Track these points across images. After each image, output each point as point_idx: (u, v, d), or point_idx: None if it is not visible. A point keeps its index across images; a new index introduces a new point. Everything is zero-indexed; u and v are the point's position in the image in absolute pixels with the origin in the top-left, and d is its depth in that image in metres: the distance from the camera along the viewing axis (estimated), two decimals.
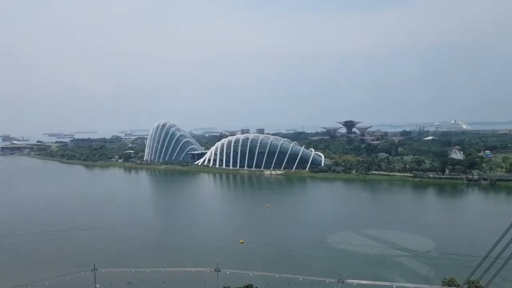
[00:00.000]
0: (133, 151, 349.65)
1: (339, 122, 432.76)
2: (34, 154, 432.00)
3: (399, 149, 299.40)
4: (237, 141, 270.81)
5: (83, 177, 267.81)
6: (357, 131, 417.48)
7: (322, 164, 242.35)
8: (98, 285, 63.94)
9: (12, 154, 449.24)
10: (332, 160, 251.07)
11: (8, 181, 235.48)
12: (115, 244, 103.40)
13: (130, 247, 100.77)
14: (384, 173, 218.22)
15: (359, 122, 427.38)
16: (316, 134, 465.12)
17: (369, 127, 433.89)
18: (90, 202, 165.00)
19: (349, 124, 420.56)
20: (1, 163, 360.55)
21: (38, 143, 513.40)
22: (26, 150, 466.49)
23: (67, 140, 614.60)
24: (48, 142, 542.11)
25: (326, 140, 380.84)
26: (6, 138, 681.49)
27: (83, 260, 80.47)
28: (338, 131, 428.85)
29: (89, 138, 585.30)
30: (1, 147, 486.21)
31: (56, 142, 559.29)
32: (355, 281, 63.44)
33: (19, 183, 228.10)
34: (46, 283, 62.15)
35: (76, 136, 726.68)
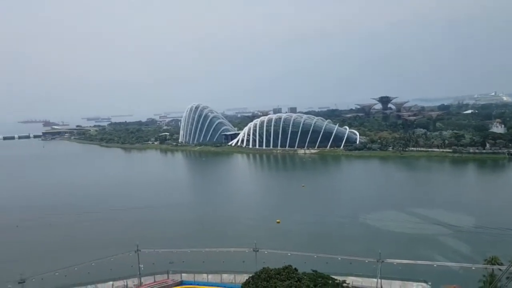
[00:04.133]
0: (168, 134, 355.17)
1: (374, 98, 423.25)
2: (74, 138, 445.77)
3: (437, 124, 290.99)
4: (269, 121, 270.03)
5: (122, 160, 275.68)
6: (393, 107, 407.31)
7: (357, 142, 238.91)
8: (142, 265, 66.04)
9: (53, 139, 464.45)
10: (368, 138, 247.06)
11: (50, 165, 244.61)
12: (155, 224, 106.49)
13: (169, 227, 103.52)
14: (422, 149, 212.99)
15: (394, 98, 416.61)
16: (350, 111, 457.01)
17: (405, 102, 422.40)
18: (130, 184, 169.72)
19: (384, 100, 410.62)
20: (43, 148, 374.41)
21: (78, 128, 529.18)
22: (66, 134, 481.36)
23: (104, 123, 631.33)
24: (87, 126, 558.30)
25: (360, 117, 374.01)
26: (46, 124, 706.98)
27: (125, 240, 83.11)
28: (373, 107, 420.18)
29: (125, 121, 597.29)
30: (43, 133, 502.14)
31: (95, 126, 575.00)
32: (395, 261, 62.51)
33: (62, 166, 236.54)
34: (93, 264, 64.65)
35: (113, 120, 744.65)
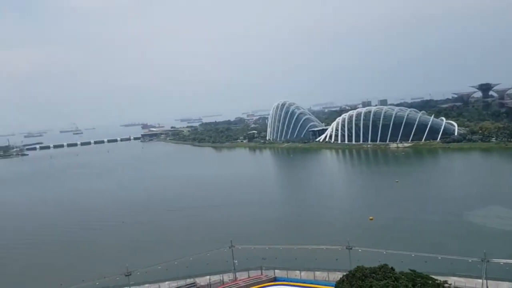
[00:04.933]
0: (256, 131, 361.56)
1: (472, 86, 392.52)
2: (169, 139, 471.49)
3: None
4: (358, 114, 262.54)
5: (213, 159, 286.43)
6: (495, 95, 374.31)
7: (455, 134, 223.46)
8: (236, 261, 68.00)
9: (151, 140, 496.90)
10: (467, 129, 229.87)
11: (149, 166, 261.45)
12: (247, 221, 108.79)
13: (261, 224, 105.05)
14: None
15: (496, 84, 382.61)
16: (447, 101, 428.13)
17: (509, 88, 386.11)
18: (222, 181, 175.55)
19: (484, 88, 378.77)
20: (142, 148, 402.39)
21: (172, 129, 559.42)
22: (162, 136, 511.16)
23: (196, 124, 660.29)
24: (180, 127, 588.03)
25: (458, 107, 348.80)
26: (144, 126, 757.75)
27: (219, 236, 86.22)
28: (472, 96, 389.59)
29: (215, 121, 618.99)
30: (141, 135, 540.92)
31: (187, 126, 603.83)
32: (502, 261, 57.46)
33: (159, 167, 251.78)
34: (191, 258, 68.04)
35: (204, 120, 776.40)
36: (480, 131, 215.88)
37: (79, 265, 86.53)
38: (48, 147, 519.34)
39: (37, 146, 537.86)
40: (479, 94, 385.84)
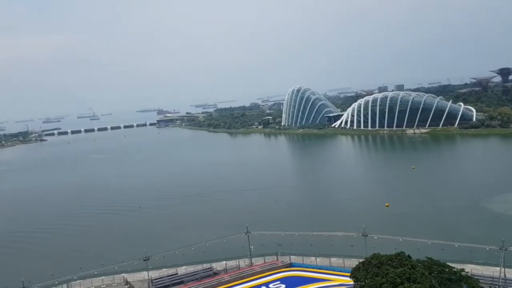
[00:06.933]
0: (271, 117, 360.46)
1: (492, 71, 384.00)
2: (185, 125, 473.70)
3: None
4: (374, 100, 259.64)
5: (228, 144, 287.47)
6: None
7: (474, 119, 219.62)
8: (252, 247, 68.65)
9: (167, 126, 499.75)
10: (486, 114, 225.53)
11: (166, 151, 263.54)
12: (263, 207, 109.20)
13: (276, 210, 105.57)
14: None
15: None
16: (465, 86, 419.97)
17: None
18: (238, 167, 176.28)
19: (505, 72, 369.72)
20: (158, 134, 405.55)
21: (187, 115, 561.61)
22: (177, 121, 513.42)
23: (211, 110, 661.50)
24: (196, 113, 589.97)
25: (477, 92, 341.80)
26: (160, 112, 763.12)
27: (235, 222, 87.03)
28: (491, 80, 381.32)
29: (230, 107, 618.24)
30: (157, 120, 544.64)
31: (202, 112, 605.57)
32: None
33: (177, 151, 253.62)
34: (207, 244, 68.90)
35: (219, 106, 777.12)
36: (499, 117, 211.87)
37: (98, 250, 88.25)
38: (66, 133, 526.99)
39: (55, 131, 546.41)
40: (498, 79, 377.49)
